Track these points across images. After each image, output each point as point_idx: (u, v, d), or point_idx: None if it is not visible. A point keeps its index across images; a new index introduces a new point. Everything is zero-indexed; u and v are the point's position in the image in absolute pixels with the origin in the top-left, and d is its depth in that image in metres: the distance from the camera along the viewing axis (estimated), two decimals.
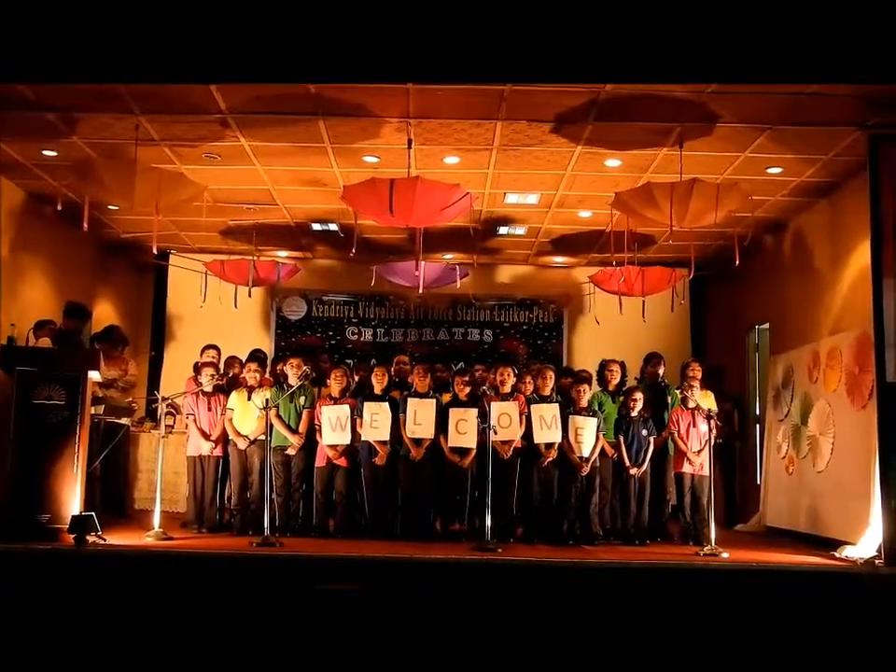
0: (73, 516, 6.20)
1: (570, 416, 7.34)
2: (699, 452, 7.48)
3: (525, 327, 11.63)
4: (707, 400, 7.80)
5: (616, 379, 7.90)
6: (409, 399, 7.37)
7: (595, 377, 8.10)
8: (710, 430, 7.17)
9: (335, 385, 7.52)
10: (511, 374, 7.50)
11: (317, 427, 7.44)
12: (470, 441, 7.23)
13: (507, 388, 7.43)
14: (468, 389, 7.47)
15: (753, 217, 8.17)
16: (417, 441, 7.30)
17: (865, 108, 6.35)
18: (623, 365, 8.04)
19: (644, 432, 7.50)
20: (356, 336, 11.53)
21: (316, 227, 10.00)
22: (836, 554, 6.51)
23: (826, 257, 8.32)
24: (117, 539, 6.53)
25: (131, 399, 8.38)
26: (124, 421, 8.00)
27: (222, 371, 8.15)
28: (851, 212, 7.64)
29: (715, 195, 6.92)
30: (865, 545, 6.41)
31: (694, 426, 7.57)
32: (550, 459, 7.26)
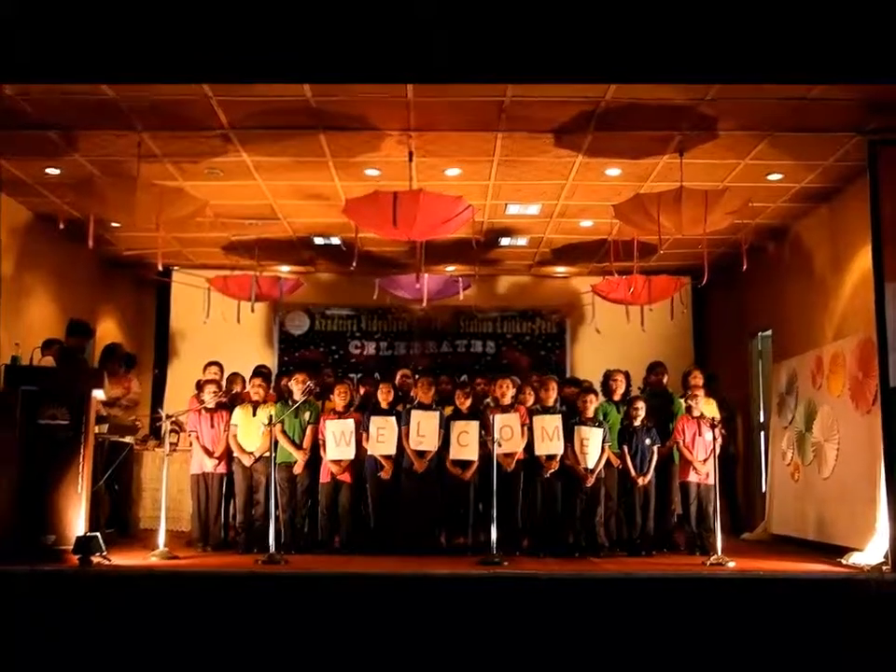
0: (77, 537, 6.14)
1: (576, 427, 7.30)
2: (705, 461, 7.45)
3: (527, 338, 11.62)
4: (709, 408, 7.79)
5: (621, 389, 7.87)
6: (412, 412, 7.35)
7: (600, 387, 8.09)
8: (715, 439, 7.16)
9: (339, 400, 7.48)
10: (511, 386, 7.49)
11: (321, 441, 7.41)
12: (472, 454, 7.22)
13: (507, 400, 7.42)
14: (469, 402, 7.46)
15: (754, 223, 8.17)
16: (420, 454, 7.29)
17: (864, 113, 6.36)
18: (627, 375, 8.02)
19: (647, 441, 7.48)
20: (359, 350, 11.53)
21: (318, 241, 10.01)
22: (843, 561, 6.49)
23: (827, 262, 8.32)
24: (121, 559, 6.47)
25: (134, 418, 8.38)
26: (128, 439, 7.97)
27: (225, 388, 8.13)
28: (852, 217, 7.64)
29: (704, 201, 6.93)
30: (872, 551, 6.39)
31: (700, 434, 7.53)
32: (551, 471, 7.24)
